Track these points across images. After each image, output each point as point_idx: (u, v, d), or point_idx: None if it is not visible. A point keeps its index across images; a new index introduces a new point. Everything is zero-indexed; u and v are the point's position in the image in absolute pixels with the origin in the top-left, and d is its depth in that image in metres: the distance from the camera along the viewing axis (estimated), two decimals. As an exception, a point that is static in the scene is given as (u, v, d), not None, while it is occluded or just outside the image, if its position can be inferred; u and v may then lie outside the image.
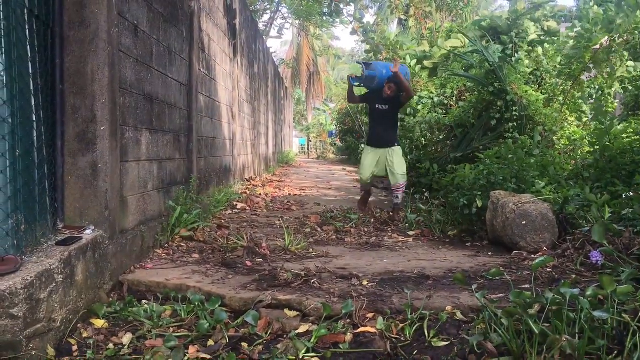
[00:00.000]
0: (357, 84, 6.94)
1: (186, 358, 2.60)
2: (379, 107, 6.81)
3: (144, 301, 3.34)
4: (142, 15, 4.30)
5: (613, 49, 7.75)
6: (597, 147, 5.67)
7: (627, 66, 8.23)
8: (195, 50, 6.09)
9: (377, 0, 22.06)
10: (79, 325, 2.92)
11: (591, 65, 7.92)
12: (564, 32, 9.22)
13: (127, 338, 2.81)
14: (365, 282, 3.62)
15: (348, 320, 2.97)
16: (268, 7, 21.61)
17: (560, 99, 8.64)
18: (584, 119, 8.75)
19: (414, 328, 2.84)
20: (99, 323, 2.99)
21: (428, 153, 9.07)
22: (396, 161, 6.75)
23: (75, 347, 2.71)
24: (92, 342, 2.73)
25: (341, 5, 20.77)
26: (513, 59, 8.73)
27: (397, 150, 6.82)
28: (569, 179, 5.62)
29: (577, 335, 2.39)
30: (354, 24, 18.45)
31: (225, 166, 8.45)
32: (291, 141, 34.28)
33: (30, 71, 3.00)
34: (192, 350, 2.68)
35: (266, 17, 22.64)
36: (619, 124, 6.42)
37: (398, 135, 7.24)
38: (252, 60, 12.13)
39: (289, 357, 2.60)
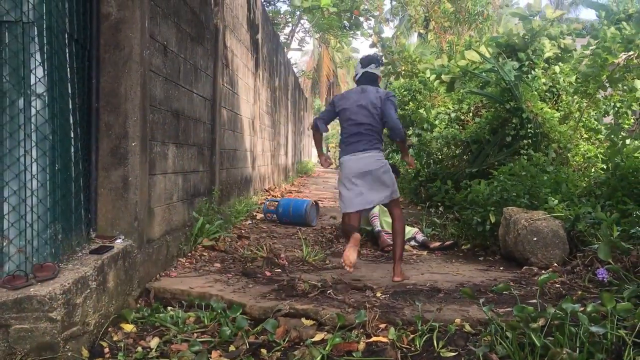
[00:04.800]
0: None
1: (209, 362, 2.79)
2: None
3: (169, 308, 3.54)
4: (171, 36, 4.54)
5: (631, 68, 7.81)
6: (610, 165, 5.75)
7: (644, 85, 8.29)
8: (219, 66, 6.33)
9: (397, 14, 22.28)
10: (109, 329, 3.12)
11: (607, 84, 8.00)
12: (579, 50, 9.30)
13: (154, 342, 3.00)
14: (378, 294, 3.78)
15: (361, 330, 3.13)
16: (289, 20, 21.90)
17: (576, 116, 8.73)
18: (599, 137, 8.81)
19: (424, 339, 2.99)
20: (128, 327, 3.19)
21: (444, 167, 9.21)
22: None
23: (107, 350, 2.90)
24: (122, 345, 2.93)
25: (361, 19, 21.00)
26: (529, 76, 8.84)
27: None
28: (582, 197, 5.71)
29: (577, 349, 2.53)
30: (373, 37, 18.65)
31: (246, 177, 8.67)
32: (310, 151, 34.53)
33: (69, 91, 3.23)
34: (215, 355, 2.87)
35: (287, 30, 22.94)
36: (632, 142, 6.50)
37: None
38: (273, 73, 12.38)
39: (305, 364, 2.76)
